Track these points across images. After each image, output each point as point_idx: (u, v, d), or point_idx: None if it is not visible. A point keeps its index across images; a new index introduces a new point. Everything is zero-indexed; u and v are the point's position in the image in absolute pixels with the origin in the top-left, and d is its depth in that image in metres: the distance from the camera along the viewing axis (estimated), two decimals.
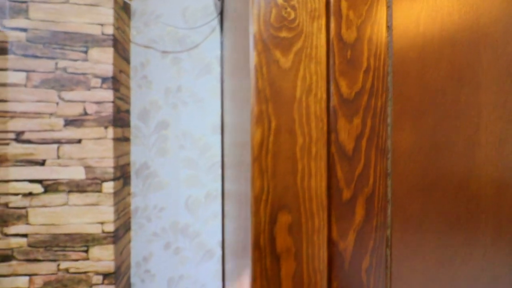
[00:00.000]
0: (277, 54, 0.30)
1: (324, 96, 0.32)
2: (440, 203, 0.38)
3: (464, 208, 0.40)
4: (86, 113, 0.88)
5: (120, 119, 0.96)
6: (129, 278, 1.07)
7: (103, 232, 0.90)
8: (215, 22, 1.10)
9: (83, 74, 0.88)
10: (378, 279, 0.35)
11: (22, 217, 0.88)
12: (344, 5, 0.33)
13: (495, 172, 0.39)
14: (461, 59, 0.39)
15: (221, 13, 1.07)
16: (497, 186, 0.39)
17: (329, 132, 0.32)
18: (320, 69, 0.32)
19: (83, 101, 0.88)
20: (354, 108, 0.33)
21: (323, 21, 0.32)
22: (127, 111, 1.04)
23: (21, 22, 0.86)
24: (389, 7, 0.36)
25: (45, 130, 0.87)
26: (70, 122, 0.88)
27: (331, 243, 0.33)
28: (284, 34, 0.30)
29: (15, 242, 0.88)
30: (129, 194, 1.06)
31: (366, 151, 0.34)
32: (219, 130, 1.12)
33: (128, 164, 1.05)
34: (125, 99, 1.02)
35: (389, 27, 0.36)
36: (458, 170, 0.39)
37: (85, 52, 0.88)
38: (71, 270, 0.90)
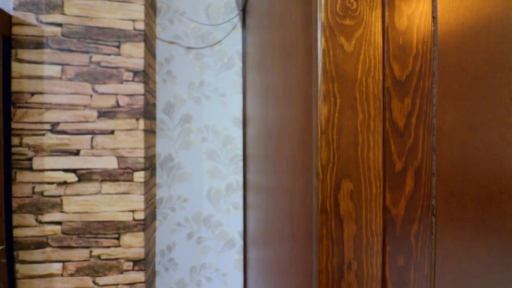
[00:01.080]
0: (341, 39, 0.34)
1: (381, 77, 0.36)
2: (477, 179, 0.42)
3: (497, 185, 0.43)
4: (118, 105, 0.92)
5: (148, 112, 1.00)
6: (154, 266, 1.11)
7: (134, 219, 0.94)
8: (237, 19, 1.14)
9: (116, 68, 0.92)
10: (424, 244, 0.38)
11: (57, 205, 0.92)
12: None
13: None
14: (494, 47, 0.43)
15: (244, 10, 1.11)
16: None
17: (384, 110, 0.36)
18: (378, 53, 0.36)
19: (116, 94, 0.92)
20: (405, 89, 0.37)
21: (379, 11, 0.36)
22: (154, 105, 1.08)
23: (56, 17, 0.90)
24: None
25: (80, 121, 0.91)
26: (103, 114, 0.92)
27: (385, 209, 0.36)
28: (347, 22, 0.34)
29: (49, 229, 0.92)
30: (154, 185, 1.10)
31: (415, 128, 0.38)
32: (240, 124, 1.15)
33: (154, 156, 1.09)
34: (152, 93, 1.06)
35: (434, 17, 0.39)
36: (492, 149, 0.42)
37: (118, 47, 0.92)
38: (103, 257, 0.94)
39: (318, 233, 0.35)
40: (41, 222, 0.91)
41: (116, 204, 0.93)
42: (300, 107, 0.43)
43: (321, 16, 0.34)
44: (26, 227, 0.90)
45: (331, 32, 0.34)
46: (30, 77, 0.89)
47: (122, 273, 0.95)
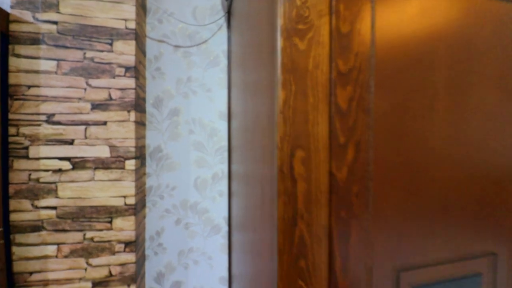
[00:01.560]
0: (296, 40, 0.44)
1: (327, 70, 0.46)
2: (407, 150, 0.53)
3: (423, 157, 0.54)
4: (111, 98, 0.99)
5: (138, 105, 1.07)
6: (144, 250, 1.18)
7: (125, 204, 1.01)
8: (222, 20, 1.23)
9: (109, 63, 0.99)
10: (363, 201, 0.49)
11: (52, 191, 0.98)
12: (341, 7, 0.47)
13: (445, 127, 0.54)
14: (422, 48, 0.54)
15: (228, 12, 1.20)
16: (446, 137, 0.54)
17: (330, 95, 0.46)
18: (325, 51, 0.46)
19: (109, 88, 0.99)
20: (347, 79, 0.47)
21: (327, 18, 0.46)
22: (144, 99, 1.15)
23: (52, 15, 0.96)
24: (372, 8, 0.50)
25: (74, 113, 0.98)
26: (96, 106, 0.99)
27: (330, 174, 0.47)
28: (301, 26, 0.44)
29: (45, 214, 0.98)
30: (144, 174, 1.18)
31: (355, 110, 0.48)
32: (225, 117, 1.24)
33: (144, 147, 1.16)
34: (142, 88, 1.13)
35: (372, 24, 0.50)
36: (420, 127, 0.53)
37: (110, 44, 0.99)
38: (96, 239, 1.01)
39: (277, 190, 0.44)
40: (37, 207, 0.97)
41: (109, 190, 1.01)
42: (269, 98, 0.52)
43: (280, 21, 0.44)
44: (23, 211, 0.96)
45: (288, 34, 0.44)
46: (27, 71, 0.95)
47: (114, 254, 1.02)
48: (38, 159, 0.97)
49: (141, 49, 1.10)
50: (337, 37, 0.46)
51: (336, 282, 0.47)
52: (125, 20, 1.00)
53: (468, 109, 0.55)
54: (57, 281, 0.99)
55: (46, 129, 0.97)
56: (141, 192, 1.12)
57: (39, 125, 0.96)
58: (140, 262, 1.12)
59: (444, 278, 0.55)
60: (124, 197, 1.02)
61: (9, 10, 0.95)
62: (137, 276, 1.07)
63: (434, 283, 0.55)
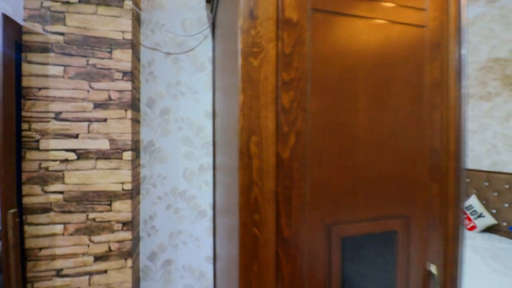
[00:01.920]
0: (251, 59, 0.63)
1: (274, 81, 0.65)
2: (336, 137, 0.72)
3: (348, 142, 0.74)
4: (110, 99, 1.16)
5: (134, 104, 1.24)
6: (139, 232, 1.35)
7: (123, 189, 1.18)
8: (208, 31, 1.41)
9: (108, 69, 1.16)
10: (302, 174, 0.68)
11: (59, 178, 1.14)
12: (285, 35, 0.66)
13: (367, 122, 0.73)
14: (348, 62, 0.73)
15: (213, 24, 1.38)
16: (367, 128, 0.74)
17: (277, 98, 0.65)
18: (272, 67, 0.64)
19: (108, 90, 1.16)
20: (289, 87, 0.66)
21: (274, 43, 0.65)
22: (138, 99, 1.32)
23: (59, 28, 1.13)
24: (309, 35, 0.69)
25: (79, 111, 1.14)
26: (98, 105, 1.15)
27: (277, 154, 0.65)
28: (255, 49, 0.63)
29: (53, 197, 1.14)
30: (139, 165, 1.35)
31: (295, 109, 0.67)
32: (210, 116, 1.42)
33: (138, 141, 1.33)
34: (137, 90, 1.30)
35: (309, 46, 0.69)
36: (346, 121, 0.73)
37: (110, 52, 1.16)
38: (97, 219, 1.17)
39: (238, 165, 0.63)
40: (46, 192, 1.13)
41: (108, 177, 1.17)
42: (235, 100, 0.70)
43: (240, 46, 0.62)
44: (34, 195, 1.12)
45: (246, 55, 0.62)
46: (37, 75, 1.11)
47: (113, 232, 1.19)
48: (47, 150, 1.13)
49: (136, 56, 1.27)
50: (282, 57, 0.65)
51: (281, 232, 0.65)
52: (123, 32, 1.17)
53: (384, 108, 0.75)
54: (63, 256, 1.15)
55: (54, 125, 1.13)
56: (136, 180, 1.29)
57: (48, 121, 1.12)
58: (135, 241, 1.29)
59: (367, 233, 0.75)
60: (122, 183, 1.18)
61: (22, 23, 1.11)
62: (133, 252, 1.24)
63: (359, 235, 0.74)
